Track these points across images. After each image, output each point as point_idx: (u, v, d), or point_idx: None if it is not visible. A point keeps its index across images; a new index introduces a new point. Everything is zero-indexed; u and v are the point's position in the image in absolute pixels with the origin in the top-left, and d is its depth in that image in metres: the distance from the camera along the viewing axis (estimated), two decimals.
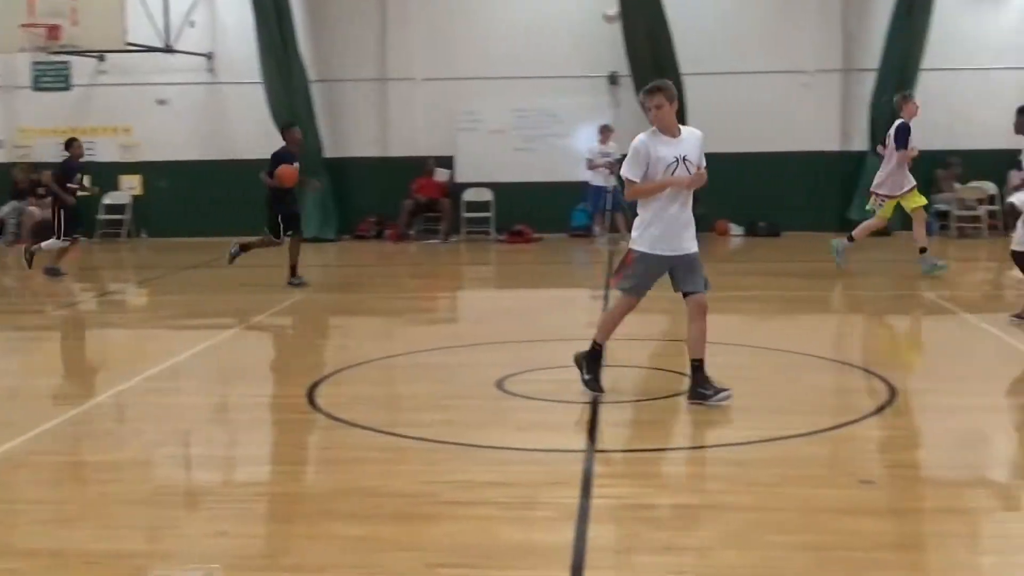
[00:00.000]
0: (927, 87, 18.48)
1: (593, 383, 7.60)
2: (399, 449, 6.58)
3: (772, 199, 19.23)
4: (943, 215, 18.96)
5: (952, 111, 18.88)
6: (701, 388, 7.32)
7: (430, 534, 5.09)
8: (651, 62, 18.69)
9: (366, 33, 20.26)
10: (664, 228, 7.27)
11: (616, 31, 18.85)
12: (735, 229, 19.46)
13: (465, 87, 19.93)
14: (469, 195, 19.82)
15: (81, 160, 15.51)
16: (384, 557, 4.82)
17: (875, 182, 13.84)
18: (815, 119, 19.27)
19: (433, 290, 13.99)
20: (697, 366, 7.37)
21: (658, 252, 7.30)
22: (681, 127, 7.39)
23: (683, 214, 7.34)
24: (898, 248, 17.38)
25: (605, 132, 18.85)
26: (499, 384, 8.13)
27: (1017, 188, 18.78)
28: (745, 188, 19.03)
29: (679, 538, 5.11)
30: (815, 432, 6.77)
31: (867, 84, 18.98)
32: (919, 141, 18.64)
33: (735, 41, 19.23)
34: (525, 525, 5.24)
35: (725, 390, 7.28)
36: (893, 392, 7.83)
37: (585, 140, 19.35)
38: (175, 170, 20.58)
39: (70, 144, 15.47)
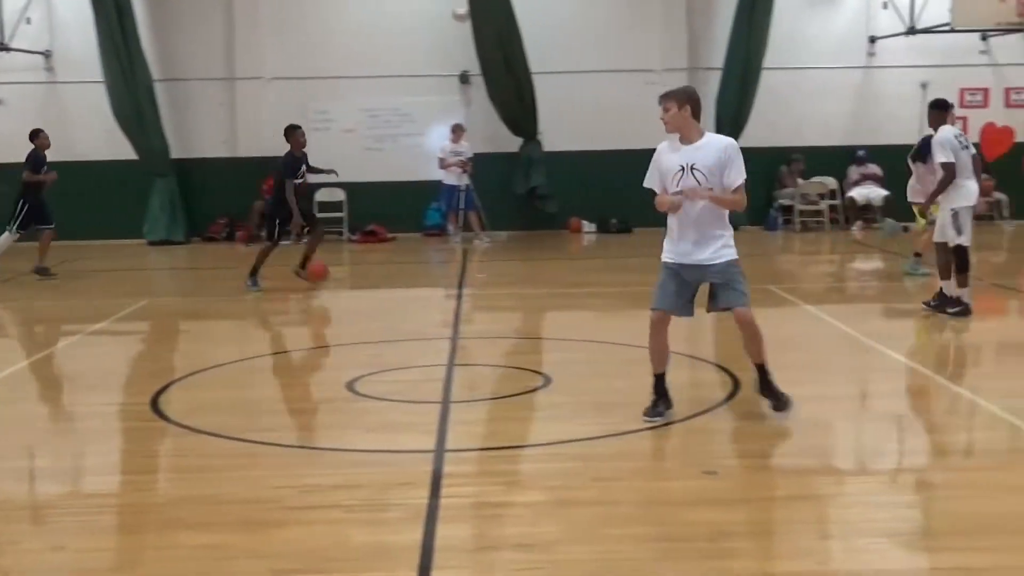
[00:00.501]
0: (770, 86, 19.09)
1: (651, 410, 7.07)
2: (247, 455, 6.50)
3: (623, 196, 19.45)
4: (787, 210, 19.55)
5: (794, 109, 19.50)
6: (764, 394, 7.20)
7: (278, 540, 5.05)
8: (502, 61, 18.83)
9: (212, 32, 19.91)
10: (673, 235, 7.05)
11: (467, 30, 18.92)
12: (587, 226, 19.73)
13: (315, 86, 19.75)
14: (321, 195, 19.63)
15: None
16: (231, 565, 4.77)
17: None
18: None
19: (284, 292, 13.82)
20: (760, 371, 7.19)
21: (666, 260, 7.12)
22: (708, 134, 7.01)
23: (692, 222, 6.92)
24: (746, 242, 17.89)
25: (457, 131, 18.91)
26: (350, 386, 8.09)
27: (857, 183, 19.54)
28: (597, 185, 19.32)
29: (526, 535, 5.17)
30: (661, 425, 6.92)
31: (713, 82, 19.41)
32: (764, 139, 19.37)
33: (584, 40, 19.48)
34: (373, 527, 5.25)
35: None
36: (737, 384, 8.06)
37: (437, 139, 19.37)
38: (13, 174, 19.87)
39: (35, 135, 15.23)
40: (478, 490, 5.85)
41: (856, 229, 19.11)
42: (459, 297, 12.85)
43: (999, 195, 19.46)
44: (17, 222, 14.79)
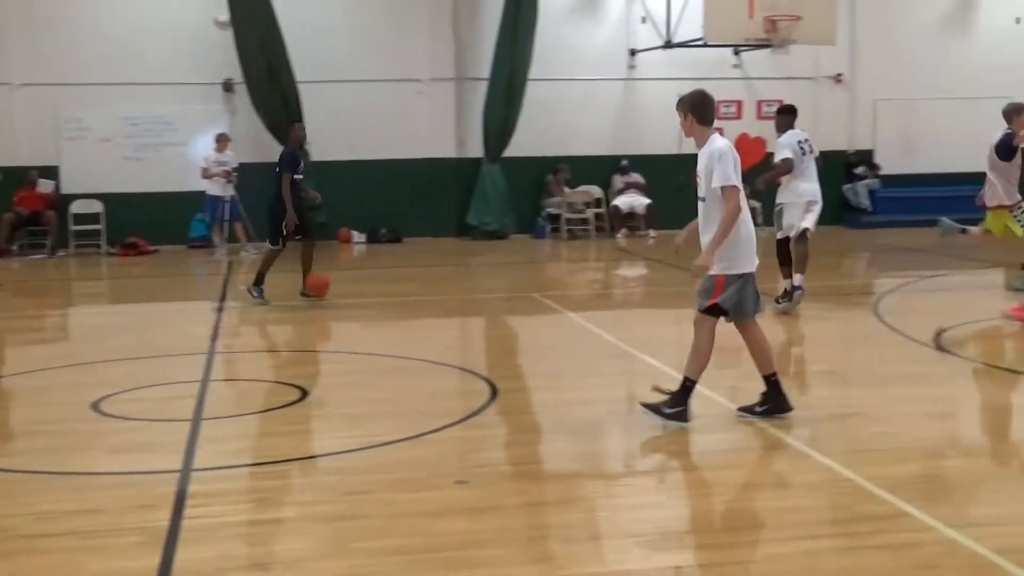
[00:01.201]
0: (536, 96, 19.42)
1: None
2: None
3: (393, 206, 19.53)
4: (554, 218, 19.92)
5: (560, 119, 19.91)
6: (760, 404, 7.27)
7: (5, 572, 4.78)
8: (265, 69, 18.53)
9: None
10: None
11: (229, 37, 18.52)
12: (357, 236, 19.60)
13: (68, 93, 18.89)
14: (77, 207, 18.81)
15: None
16: None
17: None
18: (431, 127, 19.74)
19: (37, 308, 13.19)
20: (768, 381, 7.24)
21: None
22: (712, 139, 7.00)
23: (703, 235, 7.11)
24: (514, 251, 18.15)
25: (221, 140, 18.50)
26: (95, 405, 7.76)
27: (621, 191, 20.09)
28: (366, 195, 19.25)
29: (271, 553, 5.06)
30: (416, 436, 6.90)
31: (480, 92, 19.63)
32: (531, 149, 19.71)
33: (351, 50, 19.36)
34: (109, 553, 5.02)
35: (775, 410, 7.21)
36: (495, 392, 8.14)
37: (202, 148, 18.87)
38: None
39: None
40: (224, 509, 5.69)
41: (621, 236, 19.65)
42: (221, 310, 12.53)
43: (753, 203, 20.28)
44: None
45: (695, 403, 7.17)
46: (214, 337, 10.82)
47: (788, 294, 11.49)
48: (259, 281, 12.51)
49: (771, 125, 20.41)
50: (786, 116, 12.12)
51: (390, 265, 17.13)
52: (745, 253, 7.10)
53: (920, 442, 7.05)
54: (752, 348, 7.34)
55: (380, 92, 19.46)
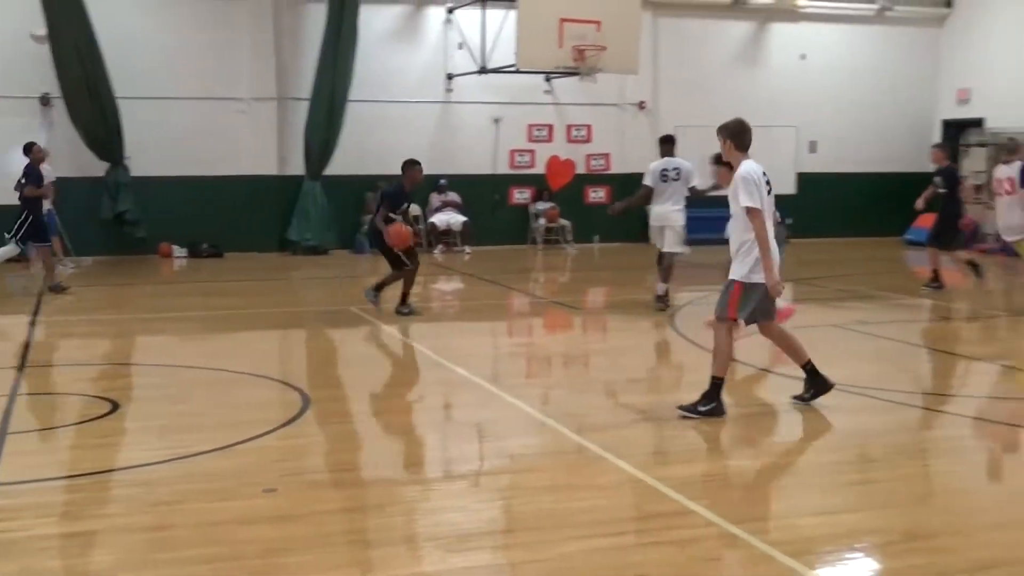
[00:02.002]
0: (357, 117, 19.28)
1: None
2: None
3: (215, 221, 19.08)
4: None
5: (380, 139, 19.79)
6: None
7: None
8: (83, 84, 17.84)
9: None
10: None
11: (46, 52, 17.78)
12: (178, 251, 19.06)
13: None
14: None
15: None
16: None
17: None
18: (253, 145, 19.37)
19: None
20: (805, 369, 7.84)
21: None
22: (743, 163, 7.53)
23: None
24: (333, 266, 17.96)
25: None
26: None
27: (438, 209, 20.12)
28: (188, 211, 18.76)
29: (76, 566, 4.89)
30: (226, 447, 6.75)
31: (302, 112, 19.37)
32: (352, 167, 19.55)
33: (172, 67, 18.81)
34: None
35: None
36: (307, 402, 8.02)
37: (18, 162, 17.97)
38: None
39: (29, 149, 14.25)
40: (29, 523, 5.43)
41: (437, 252, 19.67)
42: (33, 324, 11.99)
43: (564, 221, 20.68)
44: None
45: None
46: (23, 352, 10.33)
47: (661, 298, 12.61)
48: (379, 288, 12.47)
49: (579, 148, 21.13)
50: (661, 145, 13.10)
51: (211, 279, 16.71)
52: (760, 265, 7.41)
53: (706, 445, 7.27)
54: (781, 346, 7.95)
55: (202, 110, 19.00)
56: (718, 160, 11.54)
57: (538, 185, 20.89)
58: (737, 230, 7.53)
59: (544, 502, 5.82)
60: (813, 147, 22.46)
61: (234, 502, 5.71)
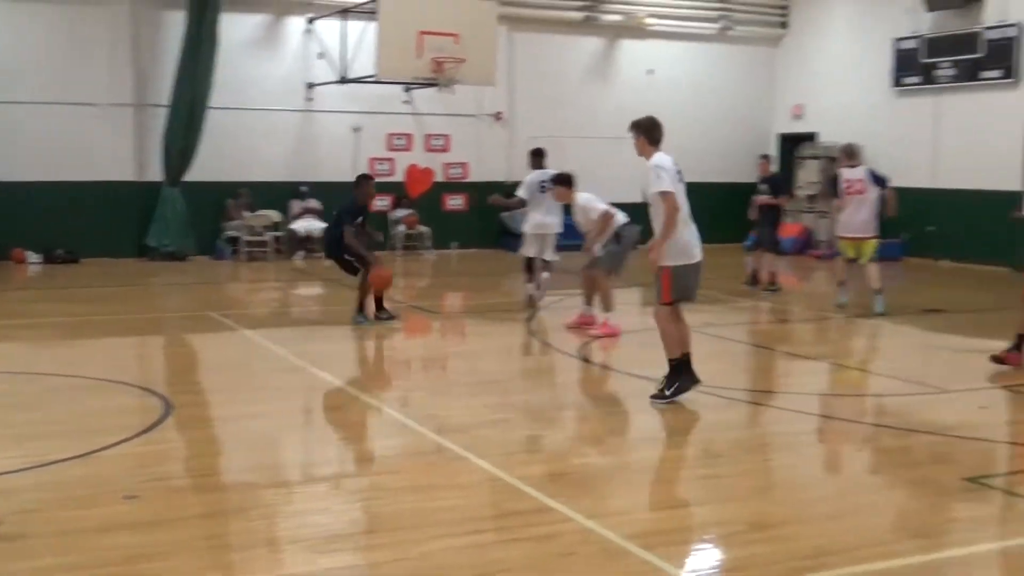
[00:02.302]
0: (218, 124, 18.85)
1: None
2: None
3: (71, 227, 18.39)
4: (234, 240, 19.41)
5: (241, 146, 19.41)
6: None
7: None
8: None
9: None
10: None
11: None
12: (32, 257, 18.31)
13: None
14: None
15: None
16: None
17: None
18: (111, 151, 18.73)
19: None
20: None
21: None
22: (654, 155, 7.98)
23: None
24: (194, 272, 17.54)
25: None
26: None
27: (299, 216, 19.86)
28: (43, 216, 18.04)
29: None
30: (86, 454, 6.52)
31: (161, 118, 18.85)
32: (212, 174, 19.13)
33: (27, 73, 18.02)
34: None
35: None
36: (169, 408, 7.81)
37: None
38: None
39: None
40: None
41: (298, 258, 19.39)
42: None
43: (423, 228, 20.63)
44: None
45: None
46: None
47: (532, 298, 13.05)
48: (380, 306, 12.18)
49: (438, 157, 21.12)
50: (532, 157, 13.63)
51: (66, 285, 16.09)
52: (685, 247, 7.95)
53: (561, 444, 7.36)
54: (679, 332, 8.11)
55: (58, 114, 18.24)
56: (557, 180, 11.79)
57: (397, 193, 20.78)
58: (658, 219, 7.92)
59: (406, 502, 5.80)
60: None
61: (94, 510, 5.52)
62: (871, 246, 13.26)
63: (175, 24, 18.72)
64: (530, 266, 13.10)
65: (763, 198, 15.44)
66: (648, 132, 8.12)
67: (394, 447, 7.12)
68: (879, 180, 13.36)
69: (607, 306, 11.24)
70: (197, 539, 5.20)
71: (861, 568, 4.90)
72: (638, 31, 22.50)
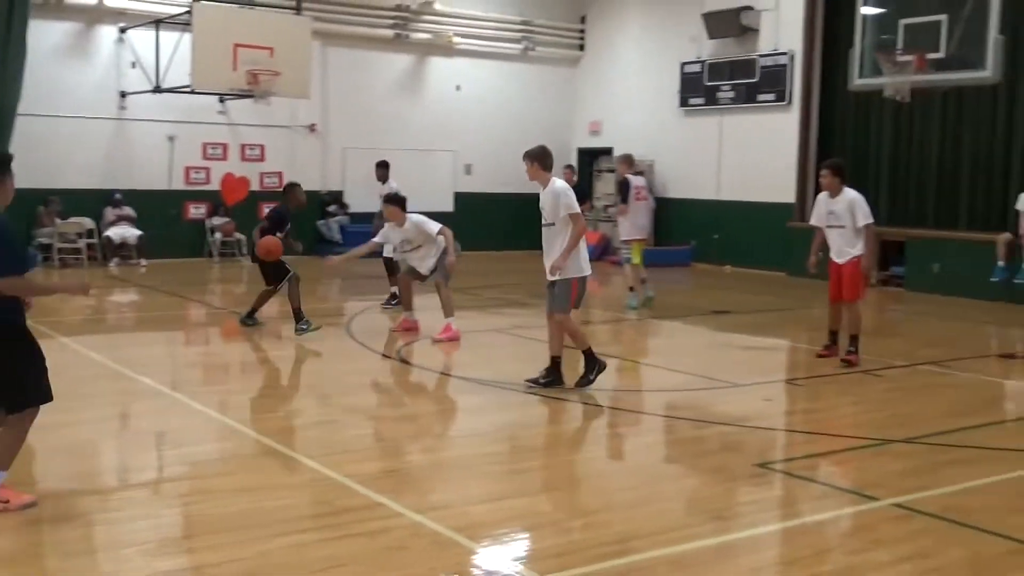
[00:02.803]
0: (28, 131, 17.88)
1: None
2: None
3: None
4: (46, 248, 18.50)
5: (52, 153, 18.49)
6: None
7: None
8: None
9: None
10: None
11: None
12: None
13: None
14: None
15: None
16: None
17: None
18: None
19: None
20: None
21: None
22: (553, 180, 8.55)
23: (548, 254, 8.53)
24: None
25: None
26: None
27: (113, 223, 19.08)
28: None
29: None
30: None
31: None
32: (23, 181, 18.09)
33: None
34: None
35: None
36: None
37: None
38: None
39: None
40: None
41: (113, 265, 18.63)
42: None
43: (239, 235, 20.15)
44: None
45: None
46: None
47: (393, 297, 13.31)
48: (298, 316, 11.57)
49: (254, 166, 20.68)
50: (379, 169, 14.56)
51: None
52: (584, 261, 8.50)
53: (386, 442, 7.36)
54: (565, 332, 8.69)
55: None
56: (389, 199, 11.78)
57: (214, 201, 20.25)
58: (560, 237, 8.37)
59: (239, 504, 5.68)
60: (468, 169, 23.15)
61: None
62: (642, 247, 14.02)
63: None
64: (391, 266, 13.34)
65: None
66: (542, 160, 8.56)
67: (221, 450, 6.97)
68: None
69: (447, 312, 11.32)
70: (21, 549, 4.96)
71: (665, 551, 5.08)
72: (446, 49, 22.65)
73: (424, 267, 11.45)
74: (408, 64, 22.57)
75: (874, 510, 5.80)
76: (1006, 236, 15.37)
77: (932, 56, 13.53)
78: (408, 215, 11.55)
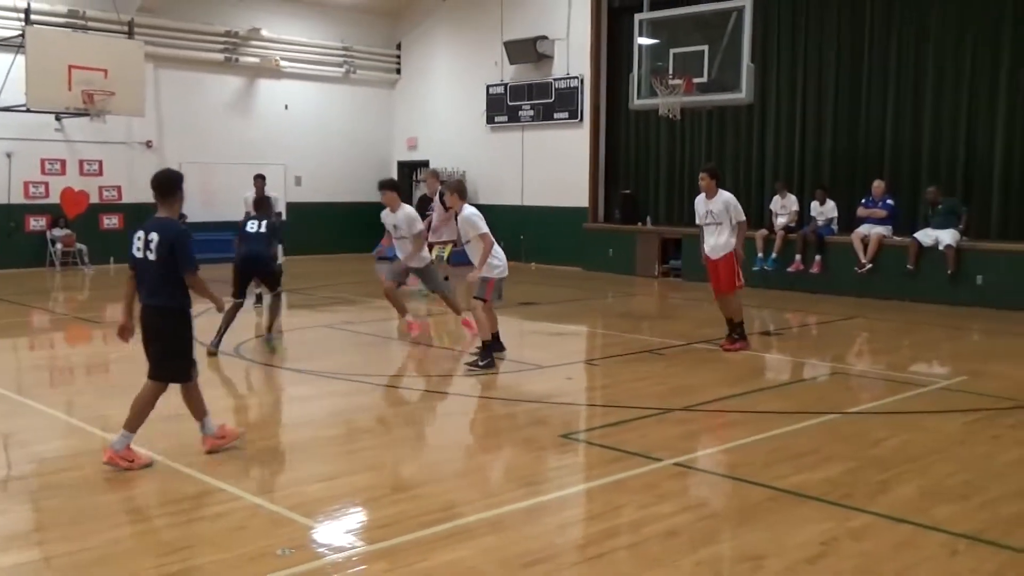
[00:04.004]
0: None
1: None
2: None
3: None
4: None
5: None
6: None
7: None
8: None
9: None
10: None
11: None
12: None
13: None
14: None
15: None
16: None
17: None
18: None
19: None
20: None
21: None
22: (465, 206, 9.42)
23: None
24: None
25: None
26: None
27: None
28: None
29: None
30: None
31: None
32: None
33: None
34: None
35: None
36: None
37: None
38: None
39: None
40: None
41: None
42: None
43: (80, 245, 19.12)
44: None
45: None
46: None
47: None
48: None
49: (92, 180, 19.63)
50: (257, 180, 14.03)
51: None
52: (501, 265, 9.42)
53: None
54: (490, 320, 9.44)
55: None
56: (384, 185, 11.20)
57: (53, 213, 19.12)
58: (475, 250, 9.35)
59: (84, 497, 5.40)
60: (298, 181, 22.68)
61: None
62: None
63: None
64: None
65: None
66: (460, 191, 9.47)
67: (66, 447, 6.60)
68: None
69: (458, 310, 11.54)
70: None
71: (484, 515, 5.15)
72: (274, 72, 22.13)
73: (407, 258, 11.00)
74: (239, 85, 21.92)
75: (659, 469, 6.02)
76: (763, 232, 16.22)
77: (698, 80, 14.10)
78: (403, 205, 11.05)
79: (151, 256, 5.91)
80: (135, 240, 6.02)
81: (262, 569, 4.37)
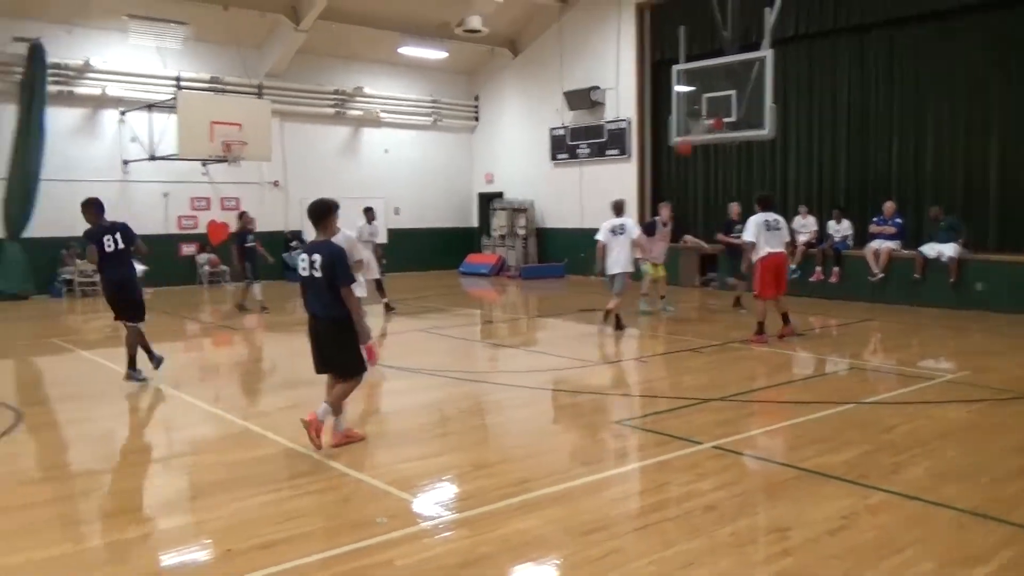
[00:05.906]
0: (51, 192, 17.13)
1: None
2: None
3: None
4: (69, 282, 17.65)
5: (70, 210, 17.19)
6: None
7: None
8: None
9: None
10: None
11: None
12: None
13: None
14: None
15: None
16: None
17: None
18: None
19: None
20: None
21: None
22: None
23: None
24: (33, 309, 15.81)
25: None
26: None
27: None
28: None
29: None
30: None
31: (2, 189, 16.87)
32: (49, 232, 17.34)
33: None
34: None
35: None
36: (19, 416, 6.99)
37: None
38: None
39: None
40: None
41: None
42: None
43: (224, 267, 19.57)
44: None
45: None
46: None
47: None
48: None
49: (232, 213, 20.06)
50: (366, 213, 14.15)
51: None
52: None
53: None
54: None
55: None
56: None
57: (201, 241, 19.65)
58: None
59: (220, 473, 5.46)
60: (397, 211, 22.91)
61: None
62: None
63: (7, 115, 16.90)
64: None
65: None
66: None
67: (208, 432, 6.70)
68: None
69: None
70: (50, 520, 4.68)
71: (550, 489, 5.06)
72: (375, 122, 22.39)
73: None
74: (347, 133, 22.22)
75: (699, 451, 5.86)
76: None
77: (727, 120, 13.82)
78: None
79: (316, 274, 5.77)
80: (300, 261, 5.88)
81: (363, 535, 4.35)
